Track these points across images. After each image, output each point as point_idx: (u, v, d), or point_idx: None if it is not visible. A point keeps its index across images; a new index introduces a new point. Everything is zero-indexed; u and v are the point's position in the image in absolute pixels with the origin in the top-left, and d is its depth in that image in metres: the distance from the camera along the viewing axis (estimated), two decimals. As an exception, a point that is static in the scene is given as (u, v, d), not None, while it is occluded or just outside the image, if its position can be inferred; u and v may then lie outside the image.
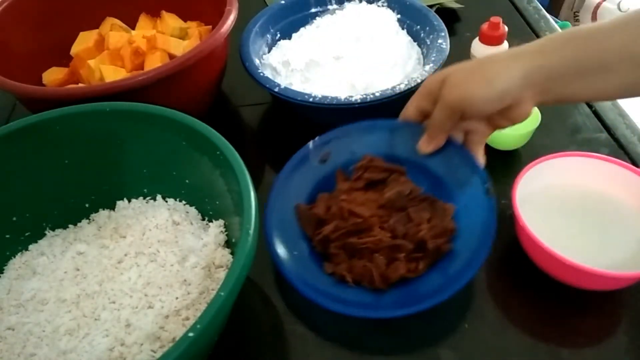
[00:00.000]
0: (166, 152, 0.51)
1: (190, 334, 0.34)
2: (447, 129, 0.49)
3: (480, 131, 0.50)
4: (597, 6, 1.71)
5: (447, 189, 0.52)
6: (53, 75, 0.67)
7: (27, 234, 0.51)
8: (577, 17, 1.79)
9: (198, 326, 0.34)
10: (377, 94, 0.59)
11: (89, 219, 0.54)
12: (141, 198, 0.55)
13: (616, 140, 0.64)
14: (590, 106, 0.69)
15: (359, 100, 0.59)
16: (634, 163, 0.60)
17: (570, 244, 0.48)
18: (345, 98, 0.59)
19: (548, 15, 0.86)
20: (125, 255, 0.49)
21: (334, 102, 0.59)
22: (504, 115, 0.46)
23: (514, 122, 0.47)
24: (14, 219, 0.50)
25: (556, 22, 0.93)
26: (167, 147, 0.51)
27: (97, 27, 0.71)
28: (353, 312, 0.46)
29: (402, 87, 0.60)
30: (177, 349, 0.33)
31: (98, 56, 0.66)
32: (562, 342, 0.47)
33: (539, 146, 0.62)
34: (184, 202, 0.54)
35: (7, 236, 0.50)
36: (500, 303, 0.49)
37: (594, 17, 1.73)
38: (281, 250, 0.49)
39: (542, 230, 0.47)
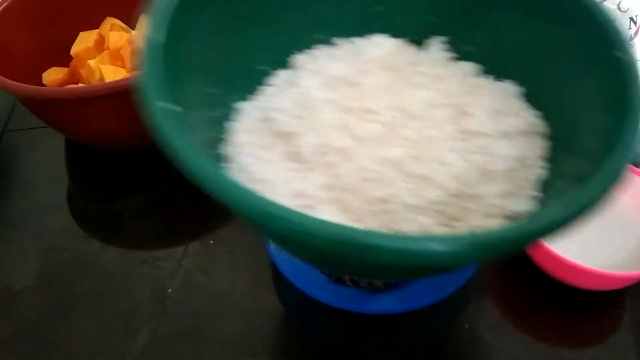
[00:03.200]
0: None
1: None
2: None
3: None
4: (597, 6, 1.70)
5: None
6: (53, 75, 0.67)
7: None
8: (577, 18, 1.78)
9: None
10: (377, 94, 0.59)
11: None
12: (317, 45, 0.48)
13: (616, 140, 0.64)
14: (590, 106, 0.68)
15: (358, 100, 0.59)
16: (634, 163, 0.60)
17: (571, 244, 0.48)
18: (345, 98, 0.59)
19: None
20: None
21: (334, 102, 0.59)
22: None
23: None
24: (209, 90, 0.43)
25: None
26: None
27: (97, 27, 0.71)
28: (352, 307, 0.46)
29: (402, 87, 0.60)
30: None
31: (98, 56, 0.66)
32: (562, 342, 0.47)
33: (539, 146, 0.62)
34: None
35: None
36: (500, 303, 0.49)
37: (594, 18, 1.72)
38: (278, 250, 0.49)
39: (542, 230, 0.47)
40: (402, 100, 0.42)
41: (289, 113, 0.42)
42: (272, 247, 0.49)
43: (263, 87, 0.45)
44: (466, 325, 0.48)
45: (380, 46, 0.46)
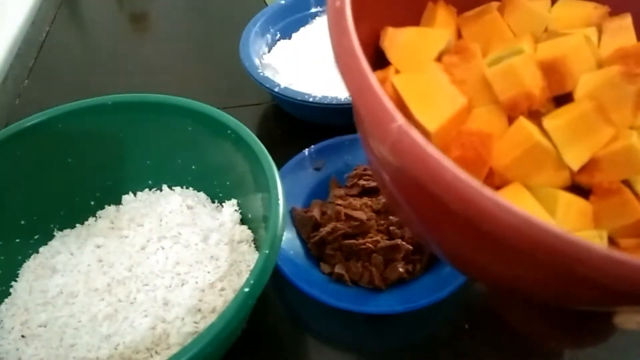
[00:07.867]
0: (171, 141, 0.52)
1: (246, 289, 0.36)
2: None
3: None
4: (598, 6, 1.70)
5: None
6: None
7: (36, 236, 0.51)
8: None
9: (251, 281, 0.36)
10: (377, 94, 0.59)
11: (96, 216, 0.54)
12: (147, 190, 0.55)
13: (616, 140, 0.64)
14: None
15: (359, 100, 0.59)
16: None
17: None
18: (345, 98, 0.59)
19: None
20: (148, 241, 0.49)
21: (334, 102, 0.59)
22: None
23: None
24: (22, 222, 0.50)
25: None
26: (171, 135, 0.51)
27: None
28: (353, 307, 0.46)
29: (402, 87, 0.60)
30: (235, 302, 0.35)
31: None
32: (562, 342, 0.47)
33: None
34: (191, 188, 0.55)
35: (17, 240, 0.50)
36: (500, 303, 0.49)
37: (594, 18, 1.72)
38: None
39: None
40: None
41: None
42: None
43: None
44: (466, 326, 0.48)
45: None
